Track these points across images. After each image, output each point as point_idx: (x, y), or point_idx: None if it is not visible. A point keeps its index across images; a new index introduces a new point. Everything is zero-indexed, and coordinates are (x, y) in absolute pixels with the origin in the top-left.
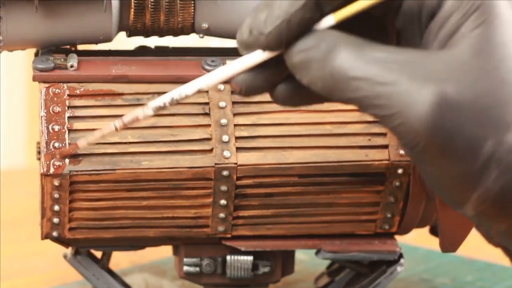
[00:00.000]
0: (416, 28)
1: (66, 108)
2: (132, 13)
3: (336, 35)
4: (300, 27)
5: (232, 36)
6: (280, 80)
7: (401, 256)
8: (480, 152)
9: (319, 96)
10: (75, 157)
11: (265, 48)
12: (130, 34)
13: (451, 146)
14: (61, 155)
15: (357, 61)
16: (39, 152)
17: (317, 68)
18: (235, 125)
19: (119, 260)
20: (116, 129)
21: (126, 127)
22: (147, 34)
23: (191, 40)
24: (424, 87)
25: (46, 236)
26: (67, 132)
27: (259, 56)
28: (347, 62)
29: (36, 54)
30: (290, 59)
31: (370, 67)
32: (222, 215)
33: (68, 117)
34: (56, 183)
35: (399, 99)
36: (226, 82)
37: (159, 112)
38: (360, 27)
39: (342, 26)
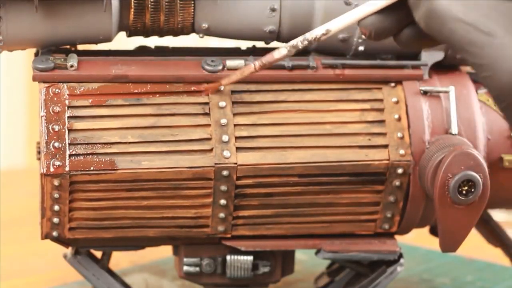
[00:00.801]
0: None
1: (66, 108)
2: (132, 13)
3: None
4: None
5: (232, 36)
6: (405, 25)
7: (401, 256)
8: None
9: (433, 39)
10: (75, 157)
11: None
12: (130, 34)
13: None
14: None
15: (457, 3)
16: (39, 152)
17: (423, 6)
18: (235, 125)
19: (119, 260)
20: (255, 69)
21: (261, 69)
22: (147, 34)
23: (191, 40)
24: None
25: (46, 236)
26: (67, 132)
27: (383, 1)
28: (446, 2)
29: (36, 54)
30: None
31: (468, 11)
32: (222, 215)
33: (68, 117)
34: (56, 183)
35: (492, 51)
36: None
37: (293, 51)
38: None
39: None
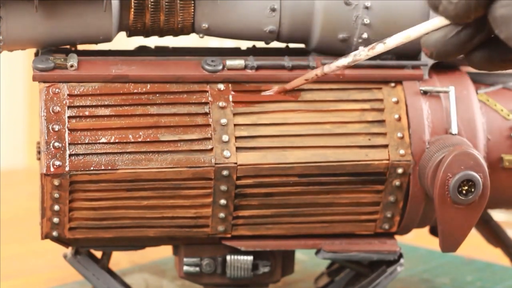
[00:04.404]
0: None
1: (66, 108)
2: (132, 13)
3: None
4: None
5: (232, 36)
6: (470, 46)
7: (401, 256)
8: None
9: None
10: (75, 157)
11: (454, 16)
12: (130, 34)
13: None
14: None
15: None
16: (39, 152)
17: None
18: (235, 125)
19: (119, 260)
20: (317, 75)
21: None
22: (147, 34)
23: (191, 40)
24: None
25: (46, 236)
26: (67, 132)
27: (438, 22)
28: None
29: (36, 54)
30: (492, 13)
31: None
32: (222, 215)
33: (68, 117)
34: (56, 183)
35: None
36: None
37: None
38: None
39: None
